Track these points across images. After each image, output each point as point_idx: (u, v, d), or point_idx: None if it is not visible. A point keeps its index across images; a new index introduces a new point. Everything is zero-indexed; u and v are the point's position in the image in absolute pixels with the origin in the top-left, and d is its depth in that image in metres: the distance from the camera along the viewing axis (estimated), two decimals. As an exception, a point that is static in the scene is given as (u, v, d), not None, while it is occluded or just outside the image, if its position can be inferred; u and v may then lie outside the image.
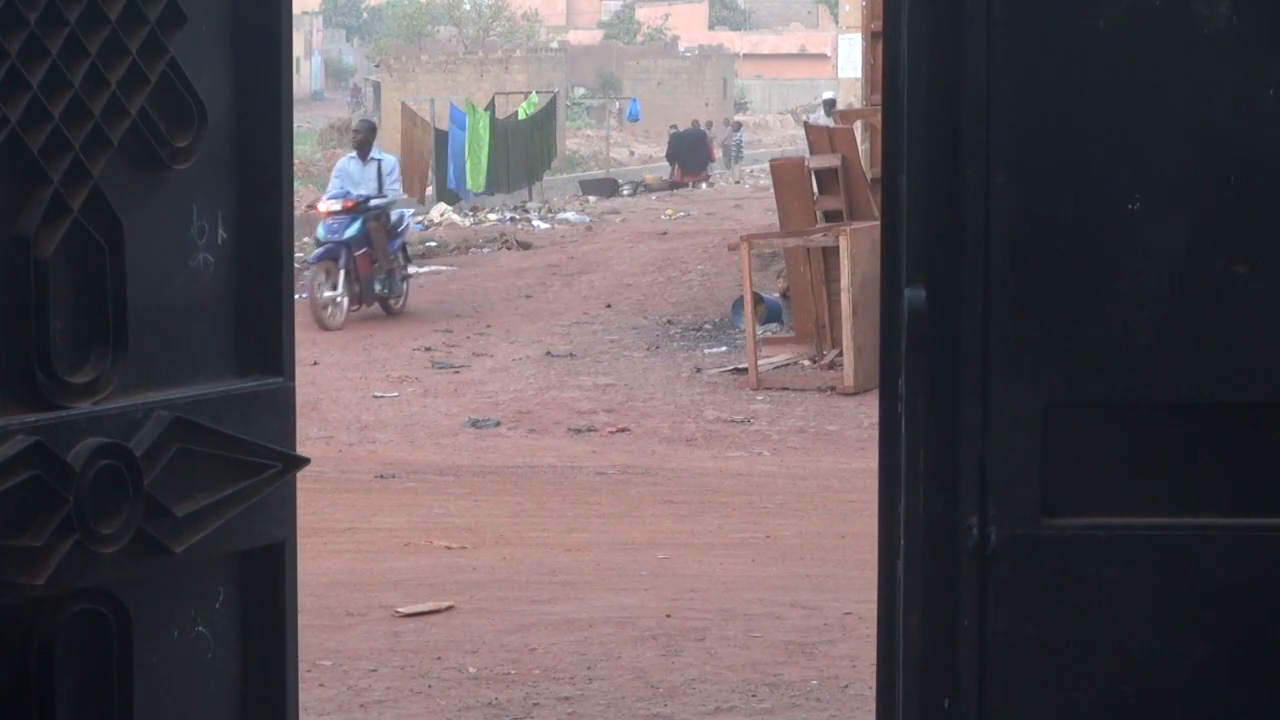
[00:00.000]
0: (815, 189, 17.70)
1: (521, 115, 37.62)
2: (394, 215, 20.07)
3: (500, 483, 12.08)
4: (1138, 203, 3.35)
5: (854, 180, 17.29)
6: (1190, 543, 3.39)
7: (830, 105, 26.56)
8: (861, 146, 18.32)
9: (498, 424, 14.61)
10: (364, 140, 20.00)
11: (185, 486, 3.34)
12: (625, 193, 38.32)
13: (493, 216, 30.43)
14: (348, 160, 20.01)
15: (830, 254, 15.86)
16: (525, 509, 11.06)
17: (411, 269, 21.08)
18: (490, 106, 37.22)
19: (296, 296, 4.76)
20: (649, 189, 38.96)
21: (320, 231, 19.42)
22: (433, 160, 33.05)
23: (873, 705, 3.71)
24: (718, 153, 45.45)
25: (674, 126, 45.26)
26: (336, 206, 19.17)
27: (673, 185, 39.57)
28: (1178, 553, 3.39)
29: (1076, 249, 3.36)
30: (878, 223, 6.53)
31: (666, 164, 42.31)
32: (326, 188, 20.71)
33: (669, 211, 30.13)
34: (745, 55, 72.69)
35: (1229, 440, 3.39)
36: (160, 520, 3.29)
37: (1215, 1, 3.33)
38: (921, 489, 3.40)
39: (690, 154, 41.32)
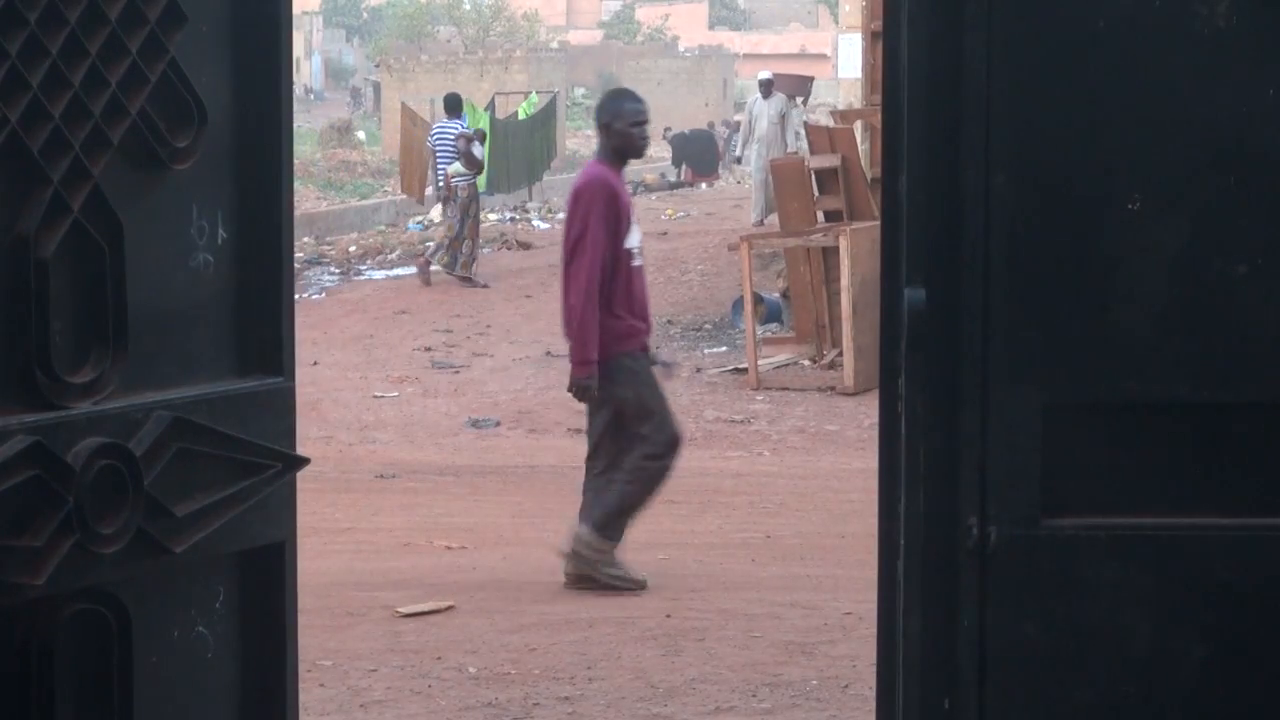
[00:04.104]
0: (815, 189, 17.70)
1: (521, 115, 37.60)
2: None
3: (500, 483, 12.09)
4: (1138, 203, 3.35)
5: (854, 180, 17.29)
6: (1190, 543, 3.39)
7: (767, 86, 26.21)
8: (861, 146, 18.32)
9: (498, 424, 14.62)
10: None
11: (185, 486, 3.34)
12: (625, 193, 38.26)
13: (493, 216, 30.42)
14: None
15: (830, 254, 15.87)
16: (525, 509, 11.06)
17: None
18: (490, 106, 37.20)
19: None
20: (649, 189, 38.93)
21: None
22: (432, 160, 33.03)
23: (873, 705, 3.71)
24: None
25: (668, 129, 45.21)
26: None
27: (673, 185, 39.56)
28: (1178, 553, 3.39)
29: (1076, 249, 3.36)
30: (878, 223, 6.53)
31: (671, 165, 42.24)
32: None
33: (669, 211, 30.13)
34: (745, 55, 72.65)
35: (1229, 440, 3.39)
36: (160, 520, 3.29)
37: (1215, 1, 3.33)
38: (921, 489, 3.40)
39: (701, 156, 41.35)
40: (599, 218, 8.02)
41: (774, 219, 23.85)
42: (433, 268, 21.80)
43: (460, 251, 21.80)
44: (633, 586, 8.16)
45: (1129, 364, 3.37)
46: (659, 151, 47.61)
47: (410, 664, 7.05)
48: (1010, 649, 3.40)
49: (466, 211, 21.83)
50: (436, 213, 30.68)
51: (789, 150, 24.64)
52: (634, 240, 8.20)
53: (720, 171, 42.47)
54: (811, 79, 33.10)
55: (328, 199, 37.70)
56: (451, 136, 22.43)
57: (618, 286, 8.10)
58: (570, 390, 8.33)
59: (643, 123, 8.36)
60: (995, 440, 3.37)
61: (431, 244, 22.66)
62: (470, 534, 10.15)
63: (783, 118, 25.68)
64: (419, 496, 11.52)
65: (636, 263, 8.22)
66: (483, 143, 23.70)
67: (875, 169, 16.55)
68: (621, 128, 8.28)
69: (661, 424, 8.18)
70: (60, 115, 3.15)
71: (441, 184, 22.64)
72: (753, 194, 26.47)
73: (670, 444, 8.20)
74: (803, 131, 23.20)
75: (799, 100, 29.07)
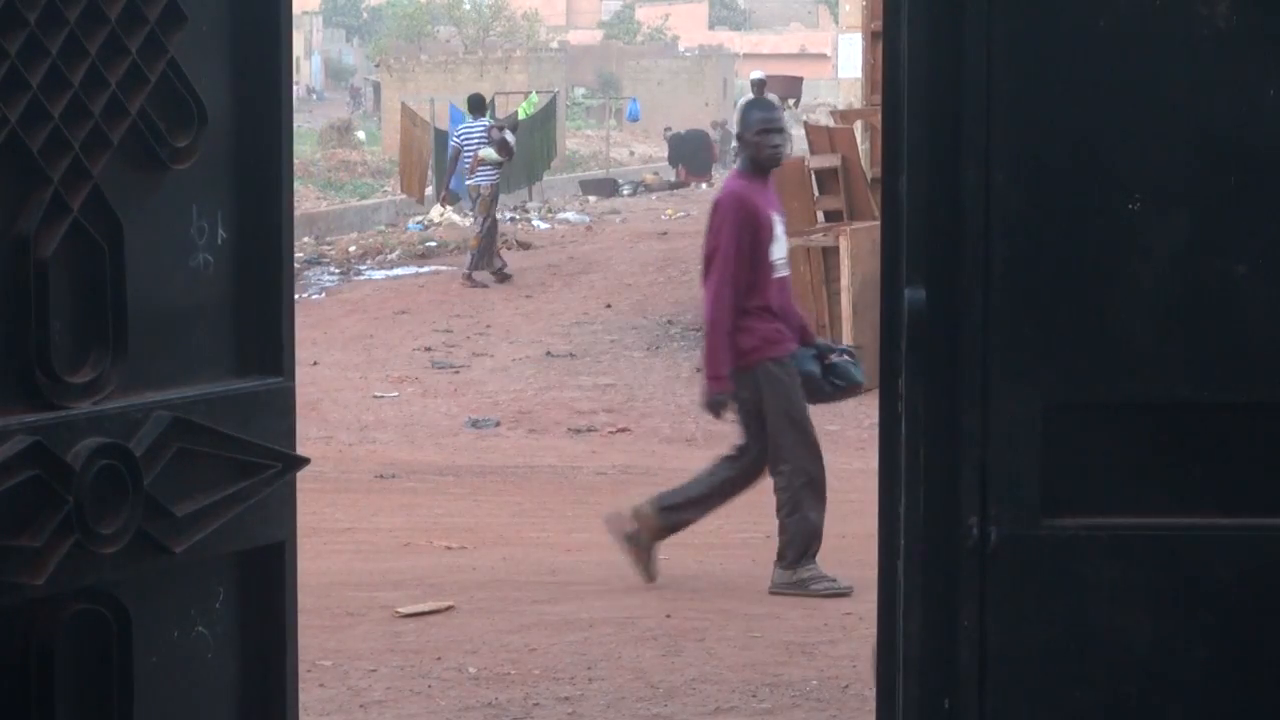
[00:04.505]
0: (815, 189, 17.71)
1: (521, 115, 37.59)
2: None
3: (500, 483, 12.09)
4: (1138, 203, 3.35)
5: (854, 180, 17.30)
6: (1190, 543, 3.39)
7: (760, 86, 26.07)
8: (861, 146, 18.33)
9: (498, 424, 14.62)
10: None
11: (185, 486, 3.34)
12: (625, 193, 38.30)
13: (493, 216, 30.39)
14: None
15: (830, 254, 15.87)
16: (525, 509, 11.06)
17: None
18: (490, 106, 37.18)
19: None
20: (649, 189, 38.92)
21: None
22: (432, 160, 33.05)
23: (873, 705, 3.71)
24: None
25: (669, 129, 45.21)
26: None
27: (673, 185, 39.55)
28: (1178, 553, 3.39)
29: (1076, 249, 3.36)
30: (878, 223, 6.53)
31: (669, 165, 42.24)
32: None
33: (669, 211, 30.13)
34: (745, 55, 72.61)
35: (1229, 440, 3.39)
36: (160, 520, 3.29)
37: (1215, 1, 3.33)
38: (921, 489, 3.40)
39: (695, 156, 41.37)
40: (731, 234, 8.06)
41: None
42: (475, 275, 22.02)
43: (490, 249, 22.08)
44: (843, 591, 8.19)
45: (1129, 364, 3.37)
46: (659, 151, 47.67)
47: (410, 664, 7.04)
48: (1010, 649, 3.40)
49: (488, 211, 22.04)
50: (436, 212, 30.69)
51: None
52: (779, 252, 8.20)
53: (713, 172, 42.45)
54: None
55: (328, 199, 37.71)
56: (478, 133, 22.68)
57: (763, 294, 8.11)
58: (704, 407, 8.40)
59: (770, 130, 8.24)
60: (995, 440, 3.37)
61: (468, 256, 22.69)
62: (470, 534, 10.15)
63: None
64: (419, 496, 11.52)
65: (781, 274, 8.22)
66: (515, 130, 24.00)
67: (875, 169, 16.56)
68: (750, 137, 8.26)
69: (804, 436, 8.22)
70: (60, 115, 3.14)
71: (468, 166, 22.77)
72: None
73: (815, 456, 8.24)
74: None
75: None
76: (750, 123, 8.29)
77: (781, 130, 8.38)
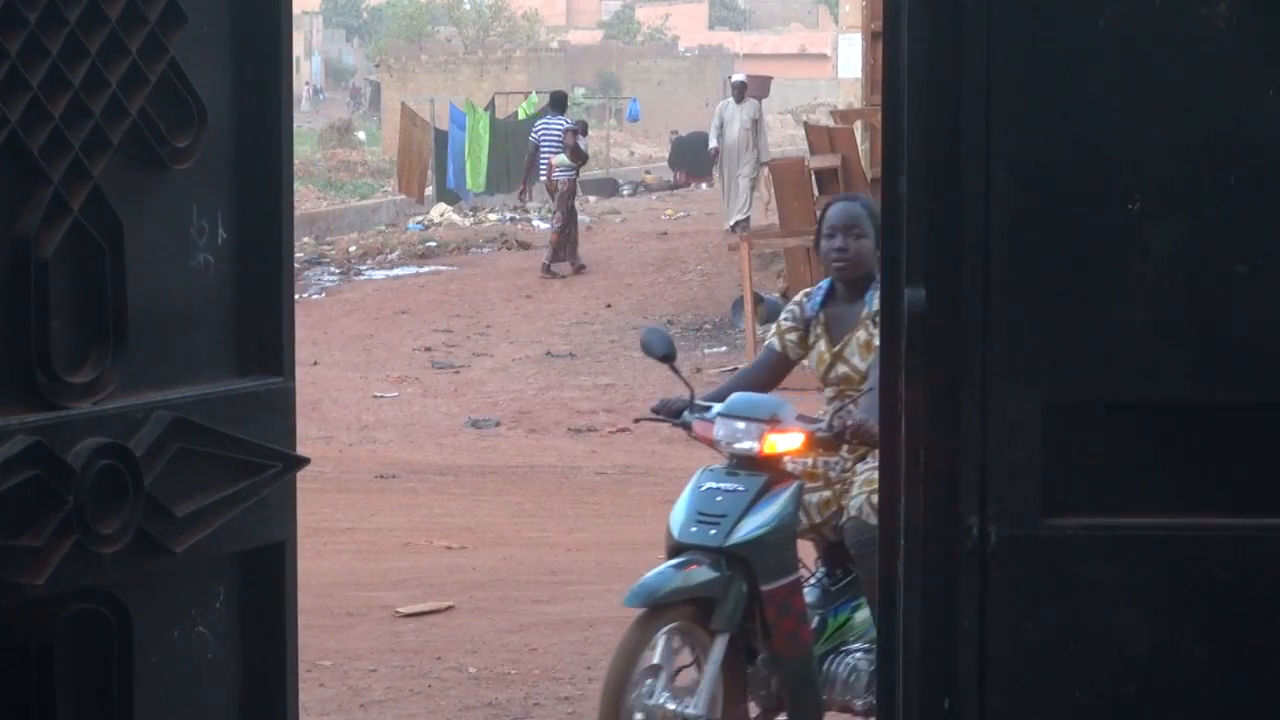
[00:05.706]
0: (815, 189, 17.72)
1: (521, 115, 37.60)
2: None
3: (500, 483, 12.08)
4: (1138, 203, 3.35)
5: (854, 180, 17.30)
6: (1190, 543, 3.39)
7: (740, 89, 25.65)
8: (861, 146, 18.34)
9: (498, 424, 14.61)
10: None
11: (185, 486, 3.34)
12: (625, 193, 38.29)
13: (493, 216, 30.42)
14: None
15: (830, 254, 15.85)
16: (525, 509, 11.06)
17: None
18: (490, 106, 37.21)
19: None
20: (649, 189, 38.91)
21: None
22: (432, 160, 33.06)
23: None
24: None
25: (675, 132, 45.16)
26: None
27: (673, 186, 39.52)
28: (1178, 553, 3.39)
29: (1076, 249, 3.36)
30: (878, 223, 6.52)
31: (669, 167, 42.18)
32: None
33: (669, 211, 30.13)
34: (745, 55, 72.54)
35: (1229, 440, 3.38)
36: (160, 520, 3.29)
37: (1215, 1, 3.33)
38: (921, 489, 3.40)
39: (695, 157, 41.36)
40: None
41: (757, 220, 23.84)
42: (553, 267, 22.19)
43: (571, 242, 22.27)
44: None
45: (1129, 364, 3.37)
46: (659, 151, 47.64)
47: (410, 664, 7.05)
48: (1010, 649, 3.40)
49: (565, 205, 22.23)
50: (436, 212, 30.68)
51: (761, 160, 23.99)
52: None
53: (713, 172, 42.47)
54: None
55: (328, 199, 37.68)
56: (557, 132, 23.11)
57: None
58: None
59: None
60: (995, 440, 3.37)
61: (548, 250, 22.75)
62: (470, 534, 10.15)
63: (755, 123, 24.73)
64: (419, 496, 11.52)
65: None
66: (585, 134, 24.29)
67: (875, 169, 16.56)
68: None
69: None
70: (60, 115, 3.15)
71: (544, 175, 23.13)
72: (721, 203, 26.01)
73: None
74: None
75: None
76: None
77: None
